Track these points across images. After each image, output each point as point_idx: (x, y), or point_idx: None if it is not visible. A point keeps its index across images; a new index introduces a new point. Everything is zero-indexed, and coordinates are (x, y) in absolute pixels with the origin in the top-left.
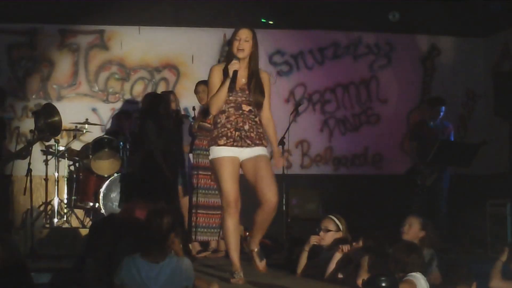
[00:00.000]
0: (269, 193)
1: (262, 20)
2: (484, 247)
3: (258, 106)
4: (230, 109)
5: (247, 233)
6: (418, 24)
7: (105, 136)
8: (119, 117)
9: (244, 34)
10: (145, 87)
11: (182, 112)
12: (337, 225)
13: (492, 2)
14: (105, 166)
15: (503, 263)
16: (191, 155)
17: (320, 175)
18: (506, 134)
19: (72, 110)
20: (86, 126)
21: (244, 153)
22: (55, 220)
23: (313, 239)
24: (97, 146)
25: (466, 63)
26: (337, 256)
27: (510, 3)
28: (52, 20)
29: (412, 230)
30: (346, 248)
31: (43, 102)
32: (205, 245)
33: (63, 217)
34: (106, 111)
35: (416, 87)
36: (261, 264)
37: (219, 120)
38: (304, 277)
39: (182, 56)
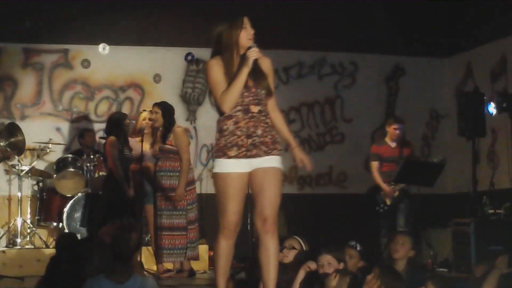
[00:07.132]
0: (268, 211)
1: None
2: (447, 267)
3: (268, 93)
4: (237, 113)
5: (211, 253)
6: (382, 44)
7: (69, 155)
8: (83, 137)
9: (248, 21)
10: (110, 107)
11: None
12: (301, 245)
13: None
14: (69, 185)
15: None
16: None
17: (285, 195)
18: (469, 153)
19: (35, 130)
20: (50, 145)
21: (256, 162)
22: (18, 240)
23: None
24: (61, 165)
25: (430, 83)
26: (301, 274)
27: (473, 24)
28: (16, 39)
29: (404, 249)
30: (312, 266)
31: (7, 121)
32: None
33: (27, 237)
34: (70, 131)
35: (380, 106)
36: None
37: (225, 127)
38: None
39: (147, 75)
